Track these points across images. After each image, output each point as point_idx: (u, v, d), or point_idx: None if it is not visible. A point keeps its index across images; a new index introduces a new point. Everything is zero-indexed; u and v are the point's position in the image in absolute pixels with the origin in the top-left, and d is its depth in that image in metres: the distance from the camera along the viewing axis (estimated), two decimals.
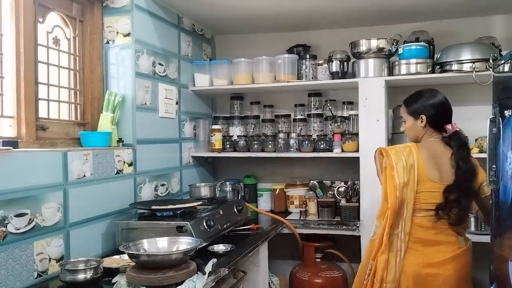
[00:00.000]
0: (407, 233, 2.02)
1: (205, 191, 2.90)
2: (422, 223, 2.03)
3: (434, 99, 2.14)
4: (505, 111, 2.15)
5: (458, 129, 2.12)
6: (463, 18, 3.01)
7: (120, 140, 2.41)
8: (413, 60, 2.70)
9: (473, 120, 2.88)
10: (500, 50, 2.67)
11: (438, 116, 2.13)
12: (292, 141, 3.03)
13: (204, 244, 2.09)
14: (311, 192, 3.04)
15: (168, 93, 2.81)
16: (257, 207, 3.22)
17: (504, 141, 2.17)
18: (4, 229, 1.64)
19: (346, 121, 3.04)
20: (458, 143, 2.08)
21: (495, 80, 2.60)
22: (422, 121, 2.13)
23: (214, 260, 1.94)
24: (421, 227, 2.03)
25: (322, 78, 2.97)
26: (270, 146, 3.08)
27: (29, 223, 1.75)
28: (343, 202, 2.89)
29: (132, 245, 1.78)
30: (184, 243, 1.85)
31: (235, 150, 3.20)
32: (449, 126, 2.12)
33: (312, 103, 3.19)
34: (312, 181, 3.11)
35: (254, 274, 2.60)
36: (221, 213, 2.42)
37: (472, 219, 2.60)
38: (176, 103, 2.93)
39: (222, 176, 3.45)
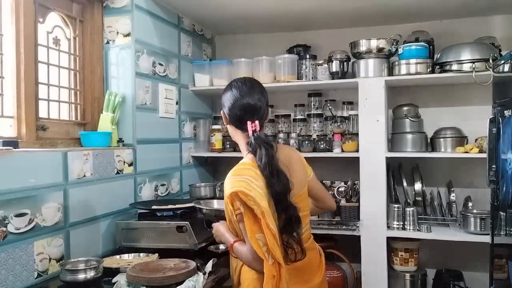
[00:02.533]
0: None
1: (205, 191, 2.91)
2: None
3: (228, 89, 1.68)
4: (505, 111, 2.16)
5: (256, 128, 1.60)
6: (463, 18, 3.01)
7: (120, 140, 2.41)
8: (413, 60, 2.70)
9: (473, 120, 2.89)
10: (500, 50, 2.66)
11: (236, 113, 1.64)
12: (292, 141, 3.02)
13: (204, 244, 2.09)
14: None
15: (168, 93, 2.81)
16: None
17: (504, 141, 2.18)
18: (4, 229, 1.64)
19: (346, 121, 3.04)
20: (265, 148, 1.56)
21: (495, 80, 2.61)
22: (229, 123, 1.71)
23: (214, 259, 1.94)
24: None
25: (322, 78, 2.96)
26: None
27: (29, 223, 1.75)
28: (343, 202, 2.89)
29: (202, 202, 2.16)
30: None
31: (235, 150, 3.19)
32: (248, 126, 1.60)
33: (312, 103, 3.19)
34: None
35: None
36: None
37: (472, 219, 2.59)
38: (176, 103, 2.93)
39: (222, 176, 3.40)
